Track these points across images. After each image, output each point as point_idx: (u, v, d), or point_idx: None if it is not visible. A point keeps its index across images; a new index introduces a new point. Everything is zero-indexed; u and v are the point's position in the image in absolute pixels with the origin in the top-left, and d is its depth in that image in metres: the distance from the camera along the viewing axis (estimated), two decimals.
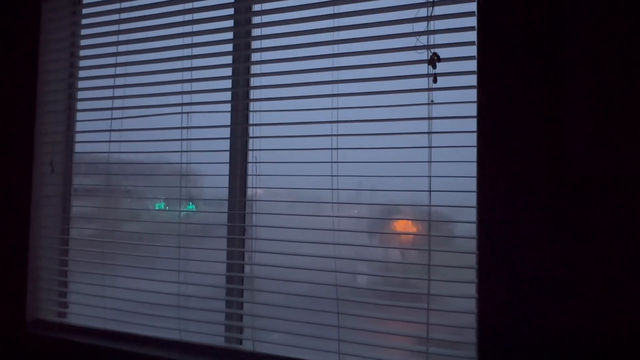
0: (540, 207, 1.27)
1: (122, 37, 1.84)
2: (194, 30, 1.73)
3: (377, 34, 1.48)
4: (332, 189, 1.53)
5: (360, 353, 1.47)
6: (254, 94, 1.69)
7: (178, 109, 1.74)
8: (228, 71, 1.71)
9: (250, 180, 1.68)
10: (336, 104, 1.53)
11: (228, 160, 1.70)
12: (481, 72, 1.34)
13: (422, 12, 1.43)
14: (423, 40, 1.42)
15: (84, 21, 1.95)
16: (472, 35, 1.37)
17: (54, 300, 1.93)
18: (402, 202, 1.50)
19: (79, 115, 1.96)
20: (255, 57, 1.68)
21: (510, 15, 1.32)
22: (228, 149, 1.70)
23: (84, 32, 1.96)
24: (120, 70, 1.84)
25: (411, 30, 1.43)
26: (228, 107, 1.71)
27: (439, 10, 1.41)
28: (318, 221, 1.55)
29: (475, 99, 1.35)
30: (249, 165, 1.68)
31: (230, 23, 1.71)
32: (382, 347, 1.46)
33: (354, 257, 1.52)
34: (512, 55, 1.31)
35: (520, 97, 1.30)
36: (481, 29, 1.35)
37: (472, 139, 1.36)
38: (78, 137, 1.97)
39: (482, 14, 1.35)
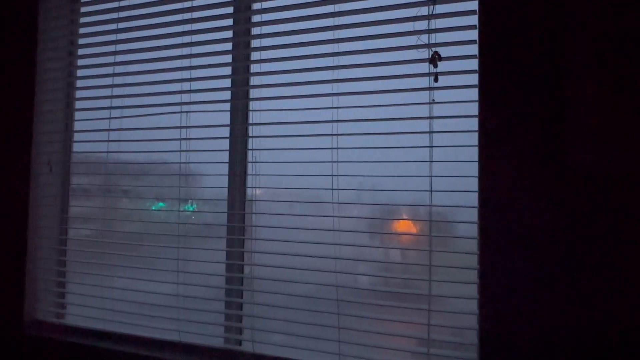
0: (542, 206, 1.26)
1: (121, 36, 1.84)
2: (193, 29, 1.72)
3: (377, 32, 1.47)
4: (332, 189, 1.52)
5: (361, 354, 1.46)
6: (253, 93, 1.68)
7: (177, 108, 1.73)
8: (227, 70, 1.70)
9: (249, 180, 1.67)
10: (336, 103, 1.52)
11: (227, 160, 1.69)
12: (482, 71, 1.34)
13: (423, 10, 1.42)
14: (424, 39, 1.41)
15: (82, 20, 1.95)
16: (474, 34, 1.36)
17: (52, 301, 1.92)
18: (403, 202, 1.49)
19: (78, 115, 1.95)
20: (254, 56, 1.67)
21: (512, 13, 1.31)
22: (227, 148, 1.69)
23: (82, 30, 1.95)
24: (118, 69, 1.84)
25: (412, 29, 1.43)
26: (227, 106, 1.70)
27: (440, 8, 1.41)
28: (318, 221, 1.54)
29: (476, 98, 1.35)
30: (249, 165, 1.68)
31: (229, 22, 1.70)
32: (382, 349, 1.46)
33: (355, 258, 1.51)
34: (513, 53, 1.31)
35: (521, 95, 1.30)
36: (482, 27, 1.34)
37: (474, 139, 1.35)
38: (76, 136, 1.96)
39: (484, 12, 1.34)
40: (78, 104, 1.96)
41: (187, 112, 1.72)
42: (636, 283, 1.18)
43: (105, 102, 1.85)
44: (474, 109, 1.36)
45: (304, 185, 1.56)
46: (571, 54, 1.23)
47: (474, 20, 1.36)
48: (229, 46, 1.70)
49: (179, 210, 1.76)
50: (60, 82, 1.96)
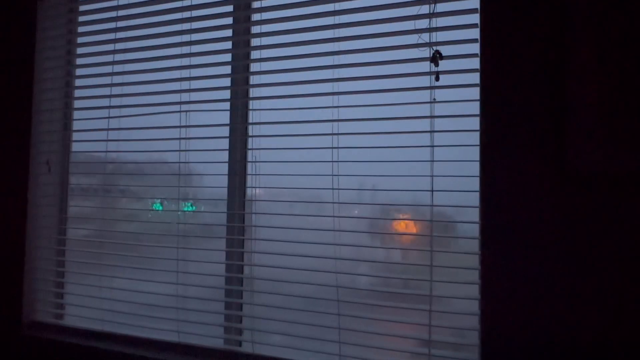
0: (544, 206, 1.26)
1: (120, 35, 1.83)
2: (193, 27, 1.71)
3: (378, 31, 1.46)
4: (332, 189, 1.51)
5: (361, 355, 1.45)
6: (253, 92, 1.67)
7: (176, 107, 1.72)
8: (227, 69, 1.69)
9: (249, 180, 1.66)
10: (337, 102, 1.51)
11: (227, 160, 1.68)
12: (484, 70, 1.33)
13: (424, 9, 1.41)
14: (425, 37, 1.40)
15: (81, 19, 1.94)
16: (475, 33, 1.36)
17: (51, 301, 1.92)
18: (404, 202, 1.48)
19: (76, 114, 1.95)
20: (254, 55, 1.67)
21: (514, 12, 1.30)
22: (227, 148, 1.68)
23: (80, 29, 1.94)
24: (117, 68, 1.83)
25: (413, 28, 1.42)
26: (227, 105, 1.69)
27: (441, 7, 1.40)
28: (318, 221, 1.53)
29: (478, 97, 1.34)
30: (249, 165, 1.67)
31: (229, 20, 1.69)
32: (383, 349, 1.45)
33: (355, 258, 1.50)
34: (515, 52, 1.30)
35: (523, 95, 1.29)
36: (484, 26, 1.33)
37: (475, 138, 1.35)
38: (75, 136, 1.96)
39: (485, 10, 1.33)
40: (77, 104, 1.95)
41: (186, 111, 1.71)
42: (638, 283, 1.17)
43: (104, 102, 1.85)
44: (475, 108, 1.35)
45: (304, 185, 1.55)
46: (573, 53, 1.22)
47: (475, 18, 1.36)
48: (228, 45, 1.69)
49: (178, 210, 1.75)
50: (58, 81, 1.95)
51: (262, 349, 1.58)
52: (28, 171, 1.92)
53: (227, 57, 1.69)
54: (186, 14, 1.72)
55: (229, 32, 1.69)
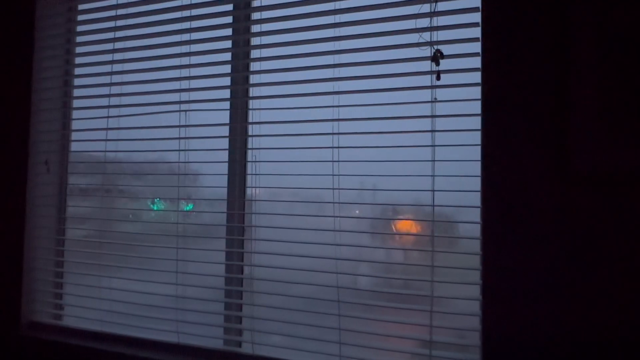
0: (545, 206, 1.25)
1: (119, 34, 1.82)
2: (192, 26, 1.70)
3: (378, 30, 1.45)
4: (333, 189, 1.50)
5: (362, 356, 1.45)
6: (253, 91, 1.66)
7: (176, 107, 1.72)
8: (227, 68, 1.69)
9: (249, 180, 1.66)
10: (337, 102, 1.51)
11: (227, 160, 1.68)
12: (485, 69, 1.32)
13: (425, 8, 1.40)
14: (426, 36, 1.40)
15: (80, 17, 1.93)
16: (476, 32, 1.35)
17: (50, 302, 1.91)
18: (405, 202, 1.48)
19: (75, 114, 1.94)
20: (254, 54, 1.66)
21: (515, 10, 1.30)
22: (227, 147, 1.67)
23: (79, 28, 1.93)
24: (116, 67, 1.82)
25: (414, 27, 1.41)
26: (227, 105, 1.68)
27: (442, 6, 1.39)
28: (319, 221, 1.52)
29: (479, 96, 1.33)
30: (249, 165, 1.66)
31: (229, 19, 1.68)
32: (384, 350, 1.45)
33: (356, 258, 1.50)
34: (517, 52, 1.29)
35: (525, 94, 1.28)
36: (485, 25, 1.33)
37: (477, 138, 1.34)
38: (74, 135, 1.95)
39: (486, 9, 1.32)
40: (76, 103, 1.95)
41: (186, 110, 1.70)
42: None
43: (103, 101, 1.84)
44: (476, 107, 1.34)
45: (304, 185, 1.55)
46: (574, 52, 1.22)
47: (476, 17, 1.35)
48: (228, 44, 1.69)
49: (177, 210, 1.75)
50: (57, 80, 1.95)
51: (262, 350, 1.57)
52: (27, 171, 1.91)
53: (227, 56, 1.68)
54: (186, 13, 1.72)
55: (228, 31, 1.68)
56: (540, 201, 1.25)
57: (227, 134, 1.68)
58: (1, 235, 1.93)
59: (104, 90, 1.83)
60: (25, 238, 1.90)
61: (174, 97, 1.72)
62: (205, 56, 1.69)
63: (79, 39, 1.93)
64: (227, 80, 1.68)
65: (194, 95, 1.70)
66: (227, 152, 1.68)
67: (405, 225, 1.51)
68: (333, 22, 1.51)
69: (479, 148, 1.33)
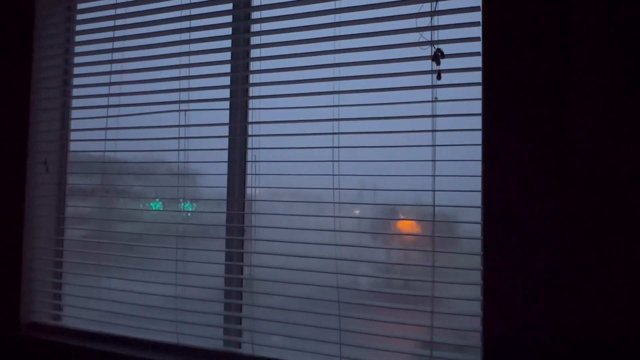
0: (547, 206, 1.24)
1: (118, 34, 1.82)
2: (192, 26, 1.70)
3: (379, 29, 1.45)
4: (333, 189, 1.50)
5: (362, 357, 1.44)
6: (253, 91, 1.66)
7: (175, 106, 1.71)
8: (226, 68, 1.68)
9: (249, 180, 1.65)
10: (337, 101, 1.50)
11: (227, 159, 1.67)
12: (486, 69, 1.32)
13: (426, 7, 1.40)
14: (426, 36, 1.39)
15: (79, 17, 1.92)
16: (477, 31, 1.34)
17: (49, 302, 1.90)
18: (405, 202, 1.47)
19: (74, 113, 1.93)
20: (254, 53, 1.65)
21: (516, 10, 1.29)
22: (227, 147, 1.67)
23: (78, 27, 1.93)
24: (116, 67, 1.81)
25: (414, 26, 1.40)
26: (227, 104, 1.68)
27: (442, 5, 1.39)
28: (319, 222, 1.52)
29: (480, 96, 1.33)
30: (248, 164, 1.65)
31: (229, 19, 1.68)
32: (384, 351, 1.44)
33: (356, 259, 1.49)
34: (517, 51, 1.28)
35: (526, 94, 1.28)
36: (486, 24, 1.32)
37: (477, 137, 1.33)
38: (73, 135, 1.94)
39: (487, 8, 1.32)
40: (75, 102, 1.94)
41: (185, 110, 1.70)
42: None
43: (102, 101, 1.83)
44: (477, 107, 1.34)
45: (304, 185, 1.54)
46: (576, 52, 1.21)
47: (477, 16, 1.34)
48: (228, 43, 1.68)
49: (177, 211, 1.74)
50: (56, 80, 1.94)
51: (262, 351, 1.56)
52: (25, 171, 1.90)
53: (227, 56, 1.68)
54: (185, 12, 1.71)
55: (228, 30, 1.67)
56: (541, 201, 1.25)
57: (227, 134, 1.67)
58: (0, 235, 1.93)
59: (103, 90, 1.83)
60: (24, 238, 1.89)
61: (174, 96, 1.72)
62: (205, 55, 1.68)
63: (78, 38, 1.92)
64: (226, 80, 1.68)
65: (194, 95, 1.69)
66: (226, 151, 1.67)
67: (406, 226, 1.50)
68: (333, 21, 1.51)
69: (479, 148, 1.33)
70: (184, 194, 1.73)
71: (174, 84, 1.72)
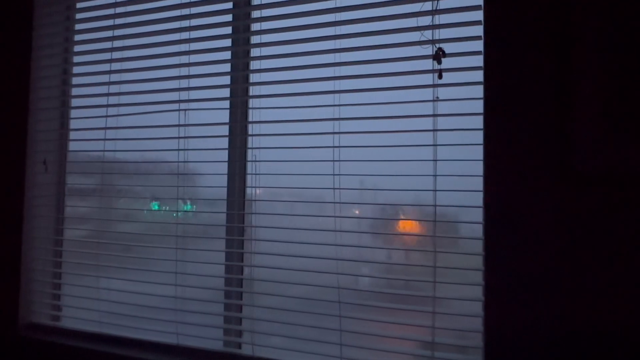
0: (548, 206, 1.24)
1: (118, 32, 1.81)
2: (192, 25, 1.69)
3: (380, 28, 1.44)
4: (333, 189, 1.49)
5: (363, 358, 1.44)
6: (253, 90, 1.65)
7: (175, 106, 1.70)
8: (227, 67, 1.67)
9: (249, 180, 1.64)
10: (338, 100, 1.50)
11: (227, 159, 1.66)
12: (488, 68, 1.31)
13: (427, 5, 1.39)
14: (428, 35, 1.39)
15: (78, 15, 1.92)
16: (479, 30, 1.33)
17: (48, 303, 1.89)
18: (406, 202, 1.46)
19: (73, 113, 1.93)
20: (254, 52, 1.65)
21: (518, 8, 1.28)
22: (227, 147, 1.66)
23: (78, 27, 1.92)
24: (115, 66, 1.81)
25: (415, 25, 1.40)
26: (227, 104, 1.67)
27: (444, 3, 1.38)
28: (319, 222, 1.51)
29: (481, 95, 1.32)
30: (249, 164, 1.65)
31: (229, 17, 1.67)
32: (385, 352, 1.43)
33: (357, 259, 1.48)
34: (519, 50, 1.28)
35: (528, 93, 1.27)
36: (487, 23, 1.31)
37: (479, 137, 1.33)
38: (72, 135, 1.93)
39: (489, 7, 1.31)
40: (74, 102, 1.93)
41: (185, 109, 1.69)
42: None
43: (102, 100, 1.83)
44: (478, 106, 1.33)
45: (304, 185, 1.53)
46: (577, 51, 1.20)
47: (479, 15, 1.34)
48: (228, 42, 1.67)
49: (176, 211, 1.73)
50: (55, 79, 1.93)
51: (262, 351, 1.56)
52: (25, 171, 1.89)
53: (227, 55, 1.67)
54: (185, 11, 1.70)
55: (228, 29, 1.67)
56: (542, 201, 1.24)
57: (227, 133, 1.66)
58: None
59: (103, 89, 1.82)
60: (23, 238, 1.89)
61: (173, 96, 1.71)
62: (205, 54, 1.67)
63: (77, 37, 1.92)
64: (226, 79, 1.67)
65: (194, 94, 1.69)
66: (226, 151, 1.66)
67: (407, 226, 1.50)
68: (334, 20, 1.50)
69: (481, 147, 1.32)
70: (183, 194, 1.73)
71: (174, 84, 1.71)
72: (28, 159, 1.90)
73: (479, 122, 1.33)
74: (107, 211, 1.85)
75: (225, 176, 1.66)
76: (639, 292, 1.16)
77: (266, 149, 1.60)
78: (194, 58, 1.69)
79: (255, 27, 1.65)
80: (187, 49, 1.69)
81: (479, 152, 1.32)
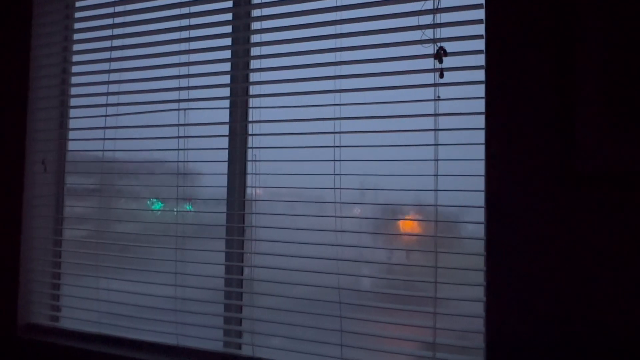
0: (550, 206, 1.23)
1: (117, 31, 1.80)
2: (192, 24, 1.68)
3: (381, 27, 1.44)
4: (334, 189, 1.49)
5: (364, 358, 1.43)
6: (253, 89, 1.64)
7: (175, 105, 1.70)
8: (227, 66, 1.67)
9: (249, 180, 1.64)
10: (339, 100, 1.49)
11: (227, 159, 1.66)
12: (489, 67, 1.30)
13: (428, 4, 1.39)
14: (429, 33, 1.38)
15: (78, 14, 1.91)
16: (480, 29, 1.33)
17: (47, 303, 1.89)
18: (408, 202, 1.46)
19: (73, 112, 1.92)
20: (254, 51, 1.64)
21: (520, 7, 1.28)
22: (227, 147, 1.66)
23: (77, 25, 1.91)
24: (114, 65, 1.80)
25: (417, 24, 1.39)
26: (227, 103, 1.66)
27: (445, 2, 1.38)
28: (320, 222, 1.51)
29: (483, 94, 1.31)
30: (249, 164, 1.64)
31: (229, 16, 1.66)
32: (386, 353, 1.43)
33: (357, 259, 1.48)
34: (521, 49, 1.27)
35: (529, 93, 1.26)
36: (489, 21, 1.31)
37: (480, 137, 1.32)
38: (71, 134, 1.93)
39: (490, 6, 1.30)
40: (73, 101, 1.93)
41: (185, 109, 1.68)
42: None
43: (101, 99, 1.82)
44: (480, 105, 1.32)
45: (305, 185, 1.53)
46: (580, 50, 1.20)
47: (480, 14, 1.33)
48: (228, 41, 1.67)
49: (176, 211, 1.72)
50: (54, 78, 1.93)
51: (263, 352, 1.55)
52: (23, 170, 1.89)
53: (227, 54, 1.66)
54: (185, 9, 1.70)
55: (228, 29, 1.66)
56: (545, 201, 1.24)
57: (227, 133, 1.66)
58: None
59: (102, 89, 1.82)
60: (22, 238, 1.88)
61: (173, 95, 1.70)
62: (205, 54, 1.67)
63: (77, 36, 1.91)
64: (226, 78, 1.66)
65: (193, 94, 1.68)
66: (226, 151, 1.66)
67: (408, 226, 1.49)
68: (335, 19, 1.49)
69: (482, 147, 1.31)
70: (183, 193, 1.72)
71: (174, 83, 1.70)
72: (27, 158, 1.89)
73: (480, 121, 1.32)
74: (106, 211, 1.84)
75: (225, 176, 1.66)
76: None
77: (266, 149, 1.59)
78: (194, 57, 1.68)
79: (255, 25, 1.64)
80: (187, 48, 1.69)
81: (480, 152, 1.31)
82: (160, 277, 1.69)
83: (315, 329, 1.49)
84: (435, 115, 1.38)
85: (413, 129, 1.40)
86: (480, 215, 1.32)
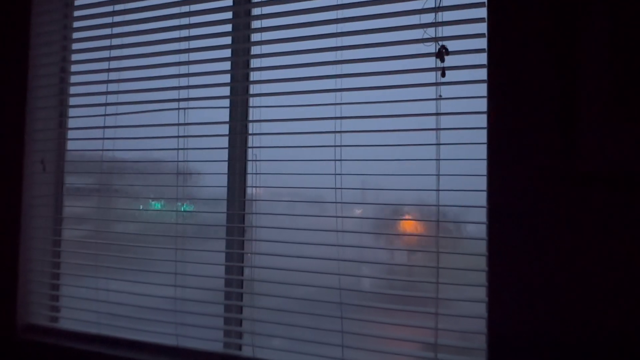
0: (552, 206, 1.22)
1: (116, 30, 1.80)
2: (191, 22, 1.67)
3: (382, 25, 1.43)
4: (335, 188, 1.48)
5: (365, 359, 1.42)
6: (253, 89, 1.64)
7: (174, 104, 1.69)
8: (227, 66, 1.66)
9: (250, 179, 1.63)
10: (340, 99, 1.48)
11: (227, 158, 1.65)
12: (491, 66, 1.29)
13: (430, 2, 1.38)
14: (431, 32, 1.37)
15: (77, 13, 1.90)
16: (482, 27, 1.32)
17: (46, 304, 1.88)
18: (409, 202, 1.45)
19: (72, 112, 1.91)
20: (255, 50, 1.63)
21: (521, 5, 1.27)
22: (227, 146, 1.65)
23: (76, 24, 1.91)
24: (114, 64, 1.79)
25: (418, 22, 1.38)
26: (227, 102, 1.66)
27: (447, 0, 1.37)
28: (321, 222, 1.50)
29: (485, 93, 1.30)
30: (249, 164, 1.63)
31: (229, 15, 1.66)
32: (388, 354, 1.42)
33: (358, 260, 1.47)
34: (524, 48, 1.26)
35: (532, 92, 1.25)
36: (492, 20, 1.30)
37: (482, 136, 1.31)
38: (70, 134, 1.92)
39: (492, 4, 1.30)
40: (72, 101, 1.92)
41: (184, 108, 1.68)
42: None
43: (100, 99, 1.81)
44: (482, 105, 1.31)
45: (305, 185, 1.52)
46: (583, 49, 1.19)
47: (482, 12, 1.32)
48: (228, 40, 1.66)
49: (176, 211, 1.72)
50: (53, 78, 1.92)
51: (263, 353, 1.54)
52: (22, 170, 1.88)
53: (227, 53, 1.66)
54: (185, 8, 1.69)
55: (228, 27, 1.65)
56: (547, 201, 1.23)
57: (227, 133, 1.65)
58: None
59: (101, 88, 1.81)
60: (21, 239, 1.87)
61: (173, 94, 1.69)
62: (205, 53, 1.66)
63: (76, 35, 1.90)
64: (226, 77, 1.66)
65: (193, 93, 1.67)
66: (227, 150, 1.65)
67: (409, 226, 1.48)
68: (335, 17, 1.49)
69: (484, 146, 1.30)
70: (183, 193, 1.71)
71: (173, 82, 1.70)
72: (26, 158, 1.88)
73: (482, 120, 1.31)
74: (105, 211, 1.84)
75: (226, 176, 1.65)
76: None
77: (267, 148, 1.59)
78: (194, 56, 1.67)
79: (255, 24, 1.64)
80: (187, 47, 1.68)
81: (482, 152, 1.31)
82: (160, 277, 1.68)
83: (316, 330, 1.48)
84: (437, 114, 1.37)
85: (414, 128, 1.39)
86: (482, 215, 1.31)
